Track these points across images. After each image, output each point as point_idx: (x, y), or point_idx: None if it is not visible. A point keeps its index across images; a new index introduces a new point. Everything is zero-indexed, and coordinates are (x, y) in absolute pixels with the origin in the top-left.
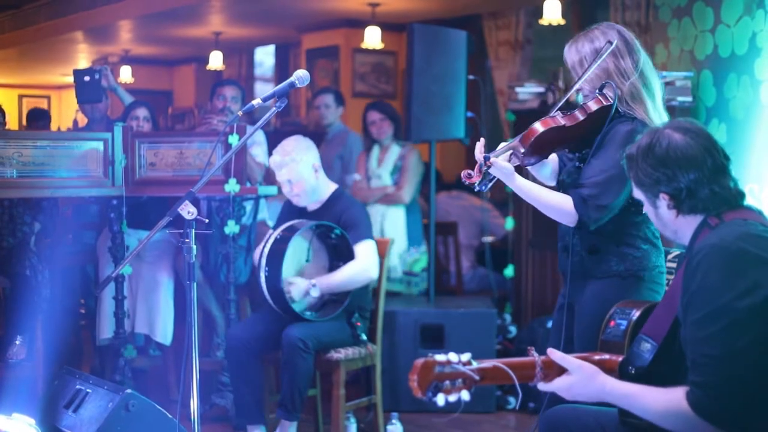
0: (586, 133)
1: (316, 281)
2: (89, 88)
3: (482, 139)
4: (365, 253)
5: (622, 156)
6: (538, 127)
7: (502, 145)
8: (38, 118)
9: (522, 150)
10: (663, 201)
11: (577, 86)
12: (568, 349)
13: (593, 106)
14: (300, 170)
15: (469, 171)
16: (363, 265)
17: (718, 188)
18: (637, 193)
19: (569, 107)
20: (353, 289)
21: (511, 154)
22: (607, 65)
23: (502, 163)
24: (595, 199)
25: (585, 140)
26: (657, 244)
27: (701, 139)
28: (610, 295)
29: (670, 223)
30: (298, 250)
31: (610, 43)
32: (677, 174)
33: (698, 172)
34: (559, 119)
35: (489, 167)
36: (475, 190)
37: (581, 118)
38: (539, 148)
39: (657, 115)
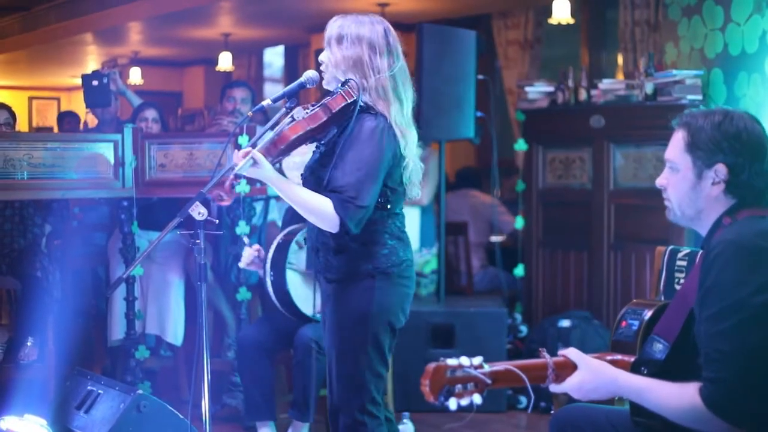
0: (328, 128)
1: None
2: (98, 92)
3: (236, 151)
4: None
5: (379, 151)
6: (290, 132)
7: (237, 153)
8: (65, 116)
9: (273, 154)
10: (714, 173)
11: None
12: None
13: (337, 104)
14: None
15: (220, 193)
16: None
17: (764, 185)
18: (681, 157)
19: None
20: None
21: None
22: (360, 55)
23: (263, 169)
24: (354, 200)
25: (326, 133)
26: (403, 237)
27: (765, 133)
28: (360, 295)
29: (704, 199)
30: (300, 253)
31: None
32: (745, 152)
33: (762, 163)
34: (304, 123)
35: (239, 183)
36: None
37: (324, 118)
38: (286, 151)
39: (403, 121)
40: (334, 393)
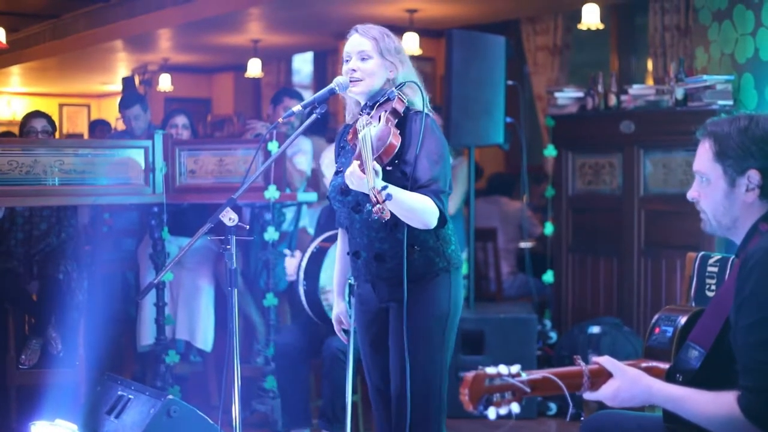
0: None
1: None
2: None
3: (356, 168)
4: None
5: (443, 141)
6: (395, 141)
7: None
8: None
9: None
10: (747, 180)
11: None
12: (385, 355)
13: (401, 106)
14: None
15: (382, 207)
16: None
17: None
18: (710, 167)
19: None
20: None
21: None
22: (401, 54)
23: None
24: (444, 190)
25: None
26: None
27: None
28: (437, 293)
29: (739, 207)
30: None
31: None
32: None
33: None
34: (396, 130)
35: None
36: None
37: (395, 120)
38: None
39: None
40: (408, 407)
